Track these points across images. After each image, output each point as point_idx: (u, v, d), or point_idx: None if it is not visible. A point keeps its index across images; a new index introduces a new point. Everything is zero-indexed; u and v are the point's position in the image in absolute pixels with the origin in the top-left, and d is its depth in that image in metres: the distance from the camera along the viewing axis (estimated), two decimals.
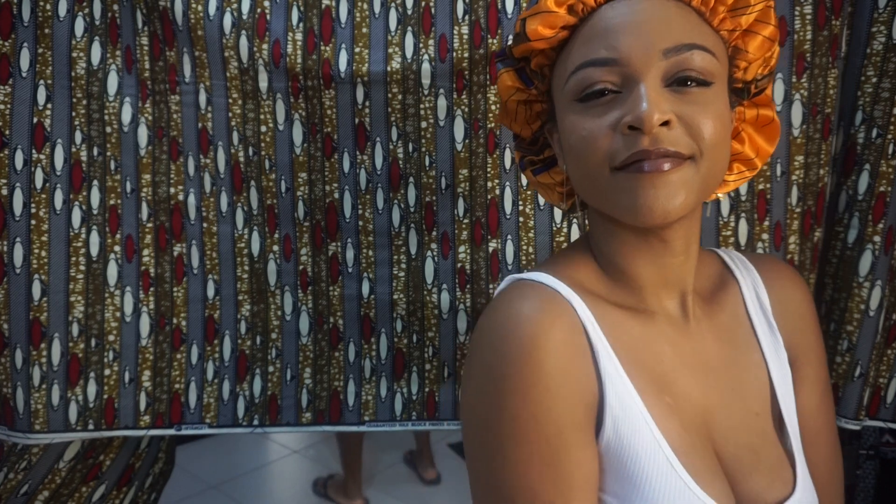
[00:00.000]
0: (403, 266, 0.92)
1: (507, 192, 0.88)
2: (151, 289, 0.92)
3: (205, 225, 0.92)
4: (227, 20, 0.85)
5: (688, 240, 0.57)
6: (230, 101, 0.89)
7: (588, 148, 0.52)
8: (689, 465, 0.52)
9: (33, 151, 0.86)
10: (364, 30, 0.86)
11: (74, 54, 0.86)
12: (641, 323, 0.57)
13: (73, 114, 0.87)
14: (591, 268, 0.59)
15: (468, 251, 0.90)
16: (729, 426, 0.57)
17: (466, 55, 0.85)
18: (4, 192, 0.85)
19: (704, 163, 0.51)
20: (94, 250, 0.90)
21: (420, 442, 2.46)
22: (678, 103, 0.50)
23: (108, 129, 0.89)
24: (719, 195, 0.67)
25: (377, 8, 0.86)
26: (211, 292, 0.93)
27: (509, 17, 0.84)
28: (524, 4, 0.83)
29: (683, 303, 0.60)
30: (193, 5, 0.84)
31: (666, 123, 0.49)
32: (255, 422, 0.95)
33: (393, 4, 0.86)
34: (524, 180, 0.88)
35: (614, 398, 0.52)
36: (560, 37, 0.55)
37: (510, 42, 0.59)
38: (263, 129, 0.89)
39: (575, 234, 0.90)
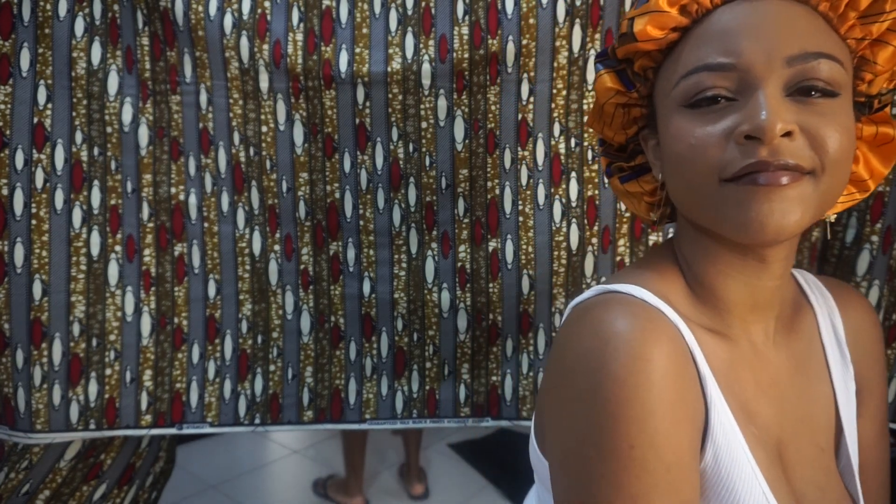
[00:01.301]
0: (404, 265, 0.92)
1: (507, 191, 0.89)
2: (152, 288, 0.93)
3: (206, 225, 0.92)
4: (228, 21, 0.85)
5: (787, 263, 0.54)
6: (231, 101, 0.89)
7: (697, 156, 0.48)
8: (779, 498, 0.50)
9: (34, 151, 0.86)
10: (364, 30, 0.86)
11: (75, 54, 0.86)
12: (727, 348, 0.54)
13: (74, 114, 0.87)
14: (678, 283, 0.56)
15: (468, 251, 0.91)
16: (798, 460, 0.55)
17: (466, 55, 0.85)
18: (5, 192, 0.85)
19: (825, 179, 0.47)
20: (95, 250, 0.90)
21: (408, 456, 2.46)
22: (801, 113, 0.46)
23: (109, 129, 0.89)
24: (829, 217, 0.61)
25: (377, 8, 0.86)
26: (212, 292, 0.94)
27: (509, 17, 0.84)
28: (524, 5, 0.83)
29: (766, 329, 0.57)
30: (194, 6, 0.84)
31: (788, 134, 0.45)
32: (257, 420, 0.95)
33: (393, 5, 0.86)
34: (524, 180, 0.89)
35: (718, 426, 0.49)
36: (670, 38, 0.51)
37: (615, 42, 0.55)
38: (264, 129, 0.89)
39: (575, 233, 0.90)
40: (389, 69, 0.85)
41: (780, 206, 0.46)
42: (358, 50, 0.86)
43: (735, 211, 0.47)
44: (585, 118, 0.88)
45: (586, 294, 0.55)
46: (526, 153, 0.88)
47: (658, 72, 0.54)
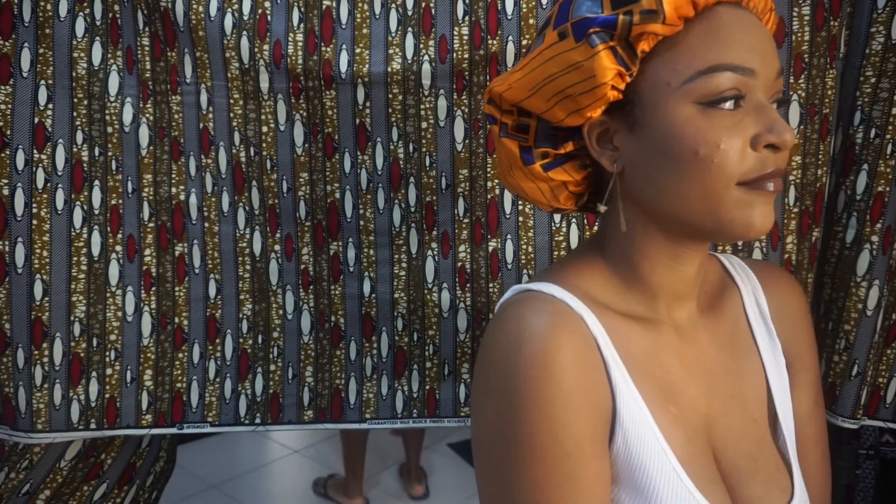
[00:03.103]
0: (404, 265, 0.92)
1: (507, 191, 0.89)
2: (153, 288, 0.93)
3: (206, 225, 0.92)
4: (228, 21, 0.85)
5: (707, 251, 0.59)
6: (231, 101, 0.89)
7: (723, 160, 0.49)
8: (693, 474, 0.53)
9: (34, 151, 0.86)
10: (364, 30, 0.86)
11: (75, 54, 0.86)
12: (649, 332, 0.57)
13: (74, 114, 0.88)
14: (600, 275, 0.58)
15: (468, 250, 0.91)
16: (729, 434, 0.58)
17: (466, 56, 0.85)
18: (6, 192, 0.86)
19: None
20: (96, 250, 0.90)
21: (409, 457, 2.46)
22: None
23: (110, 130, 0.89)
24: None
25: (378, 9, 0.86)
26: (212, 292, 0.94)
27: (509, 17, 0.84)
28: (524, 5, 0.84)
29: (690, 310, 0.60)
30: (194, 6, 0.85)
31: None
32: (257, 420, 0.95)
33: (393, 5, 0.86)
34: None
35: (625, 410, 0.52)
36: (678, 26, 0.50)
37: (627, 15, 0.50)
38: (264, 129, 0.89)
39: (575, 233, 0.90)
40: (389, 69, 0.86)
41: (770, 209, 0.51)
42: (358, 50, 0.86)
43: (744, 212, 0.50)
44: None
45: (507, 293, 0.59)
46: None
47: (649, 58, 0.51)
